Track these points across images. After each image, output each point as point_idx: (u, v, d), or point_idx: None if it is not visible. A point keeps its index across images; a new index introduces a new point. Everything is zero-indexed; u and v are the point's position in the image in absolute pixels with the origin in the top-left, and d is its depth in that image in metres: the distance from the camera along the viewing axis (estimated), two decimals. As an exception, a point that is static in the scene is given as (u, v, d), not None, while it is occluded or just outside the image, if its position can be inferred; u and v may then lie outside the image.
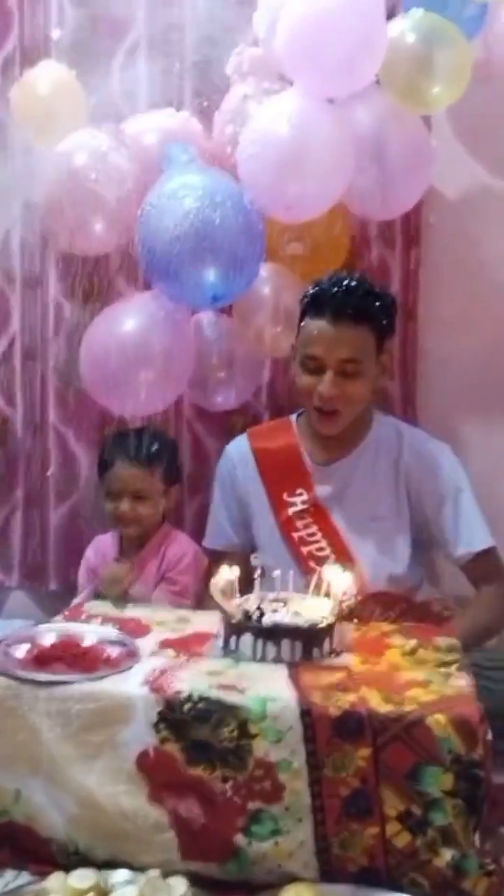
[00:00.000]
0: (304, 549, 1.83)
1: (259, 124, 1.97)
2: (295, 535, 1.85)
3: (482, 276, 2.36)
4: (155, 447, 2.03)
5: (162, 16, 2.38)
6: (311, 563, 1.77)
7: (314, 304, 1.78)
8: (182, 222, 1.88)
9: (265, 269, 2.14)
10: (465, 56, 2.05)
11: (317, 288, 1.80)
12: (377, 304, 1.78)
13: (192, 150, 2.11)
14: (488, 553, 1.83)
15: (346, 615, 1.51)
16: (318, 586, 1.50)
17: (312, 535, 1.85)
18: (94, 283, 2.45)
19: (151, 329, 2.06)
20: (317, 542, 1.84)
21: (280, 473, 1.89)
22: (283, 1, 2.01)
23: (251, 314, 2.15)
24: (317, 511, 1.85)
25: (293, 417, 1.98)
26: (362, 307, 1.75)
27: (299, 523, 1.86)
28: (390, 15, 2.04)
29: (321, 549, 1.82)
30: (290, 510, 1.86)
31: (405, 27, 2.01)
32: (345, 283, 1.77)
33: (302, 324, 1.82)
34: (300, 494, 1.86)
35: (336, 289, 1.76)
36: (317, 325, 1.77)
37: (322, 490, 1.86)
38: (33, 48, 2.44)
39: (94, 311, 2.37)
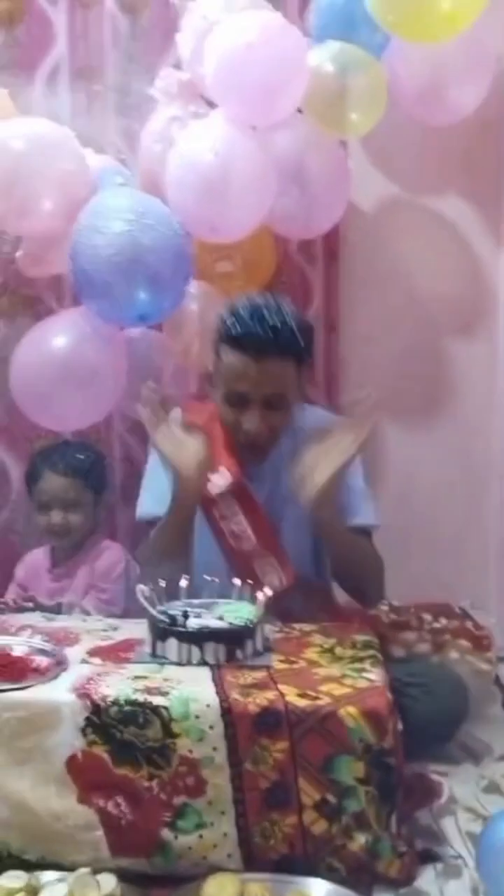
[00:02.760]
0: (224, 526, 1.82)
1: (184, 149, 2.04)
2: (215, 511, 1.83)
3: (398, 287, 2.48)
4: (81, 457, 2.09)
5: (83, 37, 2.44)
6: (231, 542, 1.80)
7: (234, 338, 1.73)
8: (113, 243, 1.94)
9: (195, 287, 2.21)
10: (380, 80, 2.15)
11: (235, 319, 1.73)
12: (297, 336, 1.73)
13: (127, 173, 2.19)
14: (364, 532, 1.81)
15: (269, 603, 1.53)
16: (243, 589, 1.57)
17: (234, 515, 1.84)
18: (22, 298, 2.49)
19: (81, 346, 2.10)
20: (238, 522, 1.83)
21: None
22: (206, 27, 2.09)
23: (180, 330, 2.22)
24: (239, 489, 1.83)
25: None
26: (285, 343, 1.71)
27: (222, 502, 1.83)
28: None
29: (241, 527, 1.82)
30: (214, 489, 1.82)
31: (323, 57, 2.11)
32: (265, 316, 1.71)
33: (221, 353, 1.76)
34: (223, 473, 1.82)
35: (258, 325, 1.71)
36: (240, 361, 1.72)
37: (244, 470, 1.84)
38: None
39: (21, 326, 2.41)
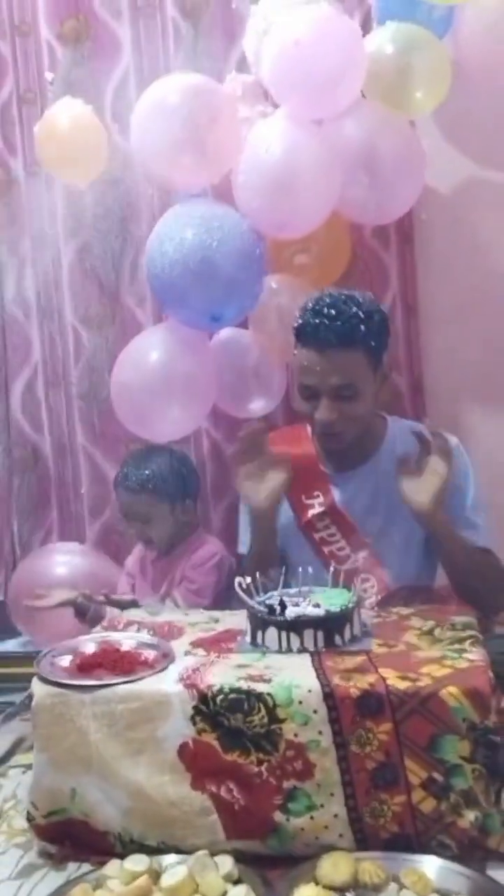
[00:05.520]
0: (326, 549, 1.89)
1: (249, 150, 2.08)
2: (316, 535, 1.91)
3: (478, 267, 2.45)
4: (147, 472, 2.12)
5: (150, 44, 2.50)
6: (334, 563, 1.82)
7: (301, 334, 1.78)
8: (179, 247, 2.00)
9: (275, 281, 2.25)
10: (443, 58, 2.14)
11: (300, 315, 1.79)
12: (362, 326, 1.74)
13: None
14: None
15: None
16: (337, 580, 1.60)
17: (332, 535, 1.91)
18: (106, 307, 2.58)
19: (172, 357, 2.18)
20: (337, 541, 1.90)
21: (298, 476, 1.90)
22: (266, 27, 2.12)
23: (264, 326, 2.26)
24: (334, 513, 1.90)
25: (308, 426, 1.98)
26: (347, 332, 1.73)
27: (319, 524, 1.91)
28: (364, 30, 2.14)
29: (341, 548, 1.89)
30: (310, 512, 1.92)
31: (382, 39, 2.10)
32: (326, 310, 1.74)
33: (295, 351, 1.82)
34: (317, 497, 1.91)
35: (318, 319, 1.74)
36: (306, 356, 1.77)
37: (337, 494, 1.91)
38: (28, 90, 2.58)
39: (109, 335, 2.51)
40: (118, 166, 2.42)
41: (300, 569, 1.64)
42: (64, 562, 2.45)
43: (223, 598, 2.02)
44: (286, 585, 1.61)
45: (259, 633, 1.50)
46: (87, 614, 1.93)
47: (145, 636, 1.58)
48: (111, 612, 1.90)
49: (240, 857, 1.30)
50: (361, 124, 2.16)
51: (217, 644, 1.55)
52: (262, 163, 2.06)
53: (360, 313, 1.75)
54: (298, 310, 1.82)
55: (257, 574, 1.56)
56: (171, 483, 2.15)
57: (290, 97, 2.07)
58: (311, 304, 1.79)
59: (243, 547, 1.98)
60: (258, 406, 2.33)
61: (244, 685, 1.34)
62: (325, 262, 2.33)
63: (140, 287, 2.49)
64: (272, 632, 1.49)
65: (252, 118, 2.24)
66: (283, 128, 2.09)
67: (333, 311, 1.74)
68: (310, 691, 1.32)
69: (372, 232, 2.44)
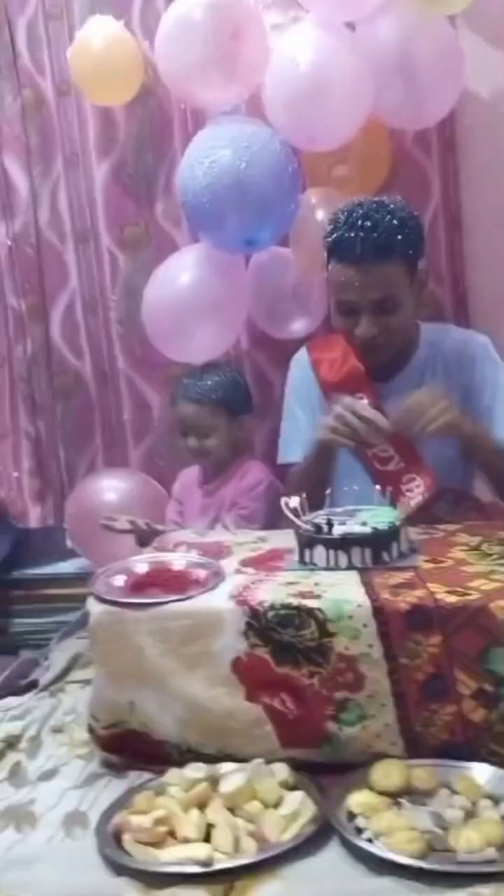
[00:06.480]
0: (369, 452, 1.85)
1: (276, 61, 2.00)
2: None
3: (524, 174, 2.36)
4: (209, 383, 2.13)
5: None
6: (377, 465, 1.84)
7: (335, 249, 1.72)
8: (209, 171, 1.95)
9: (314, 195, 2.19)
10: None
11: (334, 228, 1.72)
12: (399, 236, 1.69)
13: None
14: None
15: (416, 511, 1.56)
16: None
17: None
18: (142, 229, 2.54)
19: (202, 279, 2.16)
20: (382, 446, 1.85)
21: (339, 380, 1.89)
22: None
23: (303, 242, 2.21)
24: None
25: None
26: (384, 244, 1.68)
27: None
28: None
29: (384, 449, 1.84)
30: None
31: None
32: (360, 222, 1.68)
33: (329, 264, 1.76)
34: (361, 399, 1.85)
35: (353, 232, 1.68)
36: (343, 272, 1.72)
37: (379, 399, 1.87)
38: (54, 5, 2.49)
39: (146, 258, 2.48)
40: (150, 82, 2.35)
41: (345, 488, 1.64)
42: (113, 486, 2.48)
43: (272, 524, 2.04)
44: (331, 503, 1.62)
45: (307, 552, 1.52)
46: (148, 544, 1.96)
47: (195, 556, 1.61)
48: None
49: (295, 766, 1.35)
50: (395, 25, 2.07)
51: (265, 563, 1.57)
52: (289, 74, 1.99)
53: (395, 222, 1.69)
54: (329, 222, 1.76)
55: (303, 494, 1.56)
56: (231, 395, 2.16)
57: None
58: (343, 217, 1.72)
59: (287, 455, 1.96)
60: (299, 327, 2.31)
61: (294, 601, 1.37)
62: (365, 172, 2.26)
63: (175, 207, 2.44)
64: (320, 550, 1.50)
65: (284, 25, 2.15)
66: (313, 34, 2.01)
67: (369, 223, 1.68)
68: (359, 606, 1.34)
69: (412, 140, 2.35)
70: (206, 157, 2.02)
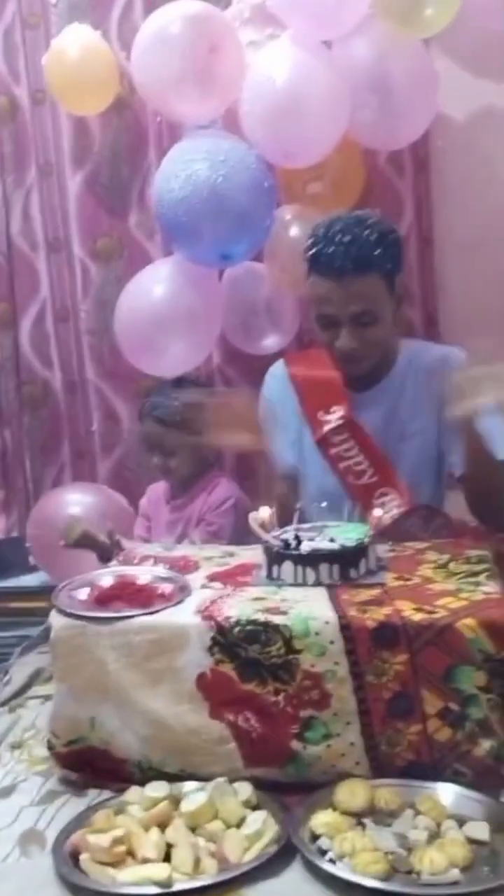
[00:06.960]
0: (342, 465, 1.86)
1: (253, 76, 2.01)
2: (331, 451, 1.89)
3: (496, 195, 2.39)
4: (176, 403, 2.10)
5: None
6: (350, 479, 1.84)
7: (315, 263, 1.73)
8: (185, 185, 1.95)
9: (289, 212, 2.20)
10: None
11: (313, 243, 1.73)
12: (378, 250, 1.70)
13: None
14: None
15: (387, 528, 1.56)
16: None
17: (349, 450, 1.88)
18: (115, 239, 2.53)
19: (177, 293, 2.15)
20: (353, 456, 1.88)
21: (316, 393, 1.90)
22: None
23: (277, 257, 2.21)
24: (352, 426, 1.88)
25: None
26: (363, 258, 1.69)
27: (335, 439, 1.89)
28: None
29: (358, 463, 1.86)
30: (326, 427, 1.89)
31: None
32: (339, 236, 1.69)
33: (308, 278, 1.77)
34: (335, 412, 1.88)
35: (332, 246, 1.69)
36: (322, 285, 1.73)
37: (354, 409, 1.88)
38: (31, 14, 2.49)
39: (118, 270, 2.46)
40: (126, 93, 2.35)
41: (314, 504, 1.64)
42: (78, 501, 2.45)
43: (239, 540, 2.02)
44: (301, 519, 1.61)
45: (275, 567, 1.51)
46: (110, 559, 1.93)
47: (161, 570, 1.59)
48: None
49: (258, 785, 1.33)
50: (371, 45, 2.09)
51: (233, 578, 1.55)
52: (266, 90, 2.00)
53: (375, 236, 1.71)
54: (309, 236, 1.76)
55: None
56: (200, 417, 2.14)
57: (296, 17, 2.00)
58: (322, 231, 1.73)
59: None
60: (271, 342, 2.31)
61: (261, 617, 1.35)
62: (339, 190, 2.28)
63: (149, 220, 2.44)
64: (288, 566, 1.49)
65: (260, 42, 2.16)
66: (289, 51, 2.03)
67: (348, 237, 1.69)
68: (326, 623, 1.33)
69: (386, 159, 2.38)
70: (183, 170, 2.03)
